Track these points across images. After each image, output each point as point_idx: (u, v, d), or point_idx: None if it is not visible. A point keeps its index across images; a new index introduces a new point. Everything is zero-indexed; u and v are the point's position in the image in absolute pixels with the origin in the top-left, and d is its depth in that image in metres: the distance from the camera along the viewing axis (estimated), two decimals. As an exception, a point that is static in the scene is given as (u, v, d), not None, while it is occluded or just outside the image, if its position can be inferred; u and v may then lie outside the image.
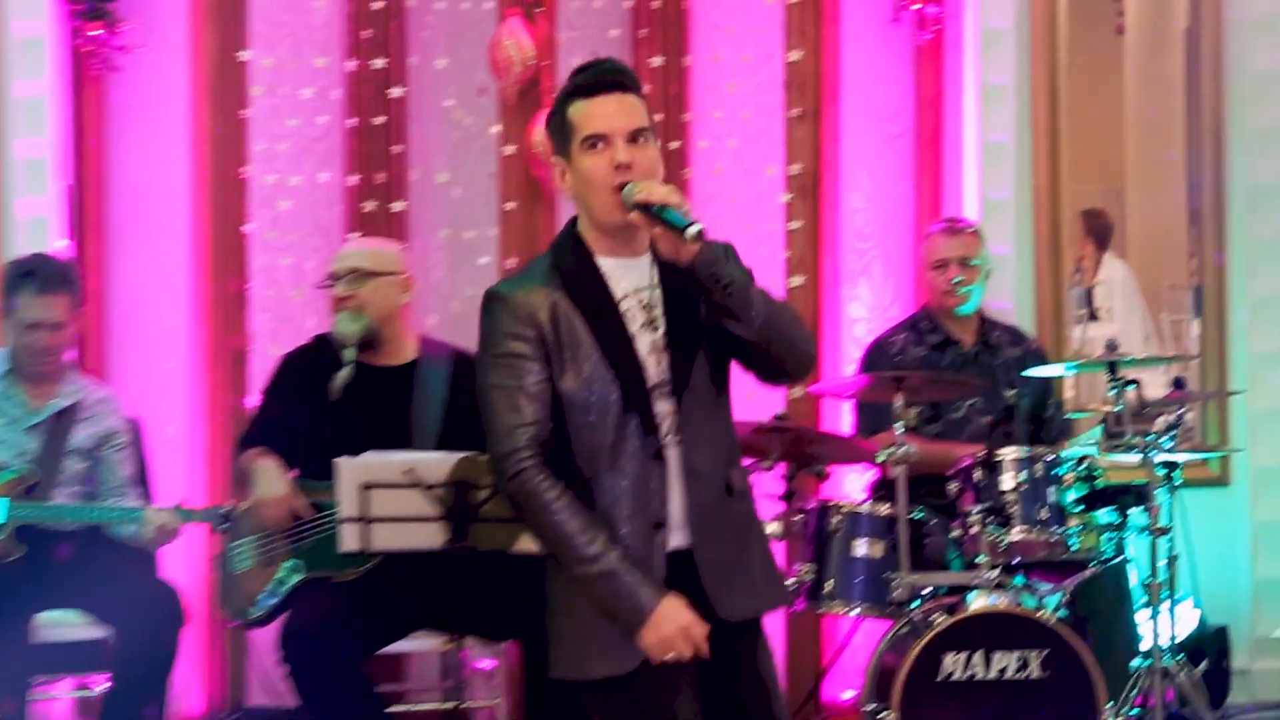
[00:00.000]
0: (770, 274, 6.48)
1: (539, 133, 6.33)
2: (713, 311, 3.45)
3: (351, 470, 4.76)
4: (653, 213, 3.38)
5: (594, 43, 6.57)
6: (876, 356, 5.89)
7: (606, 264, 3.54)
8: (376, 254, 5.52)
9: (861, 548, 5.38)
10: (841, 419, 6.32)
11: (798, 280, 6.44)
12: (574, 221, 3.59)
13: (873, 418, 5.75)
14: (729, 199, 6.66)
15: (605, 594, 3.43)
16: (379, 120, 6.40)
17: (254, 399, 6.06)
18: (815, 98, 6.49)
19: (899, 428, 5.21)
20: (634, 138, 3.47)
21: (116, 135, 6.37)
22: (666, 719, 3.51)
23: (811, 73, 6.53)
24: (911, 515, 5.31)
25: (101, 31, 6.18)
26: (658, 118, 6.43)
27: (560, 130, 3.53)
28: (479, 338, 3.56)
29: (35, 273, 5.39)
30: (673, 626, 3.40)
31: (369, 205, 6.37)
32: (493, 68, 6.43)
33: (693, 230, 3.35)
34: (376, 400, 5.37)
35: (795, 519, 5.52)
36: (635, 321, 3.52)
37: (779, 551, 5.95)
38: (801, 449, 5.55)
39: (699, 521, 3.51)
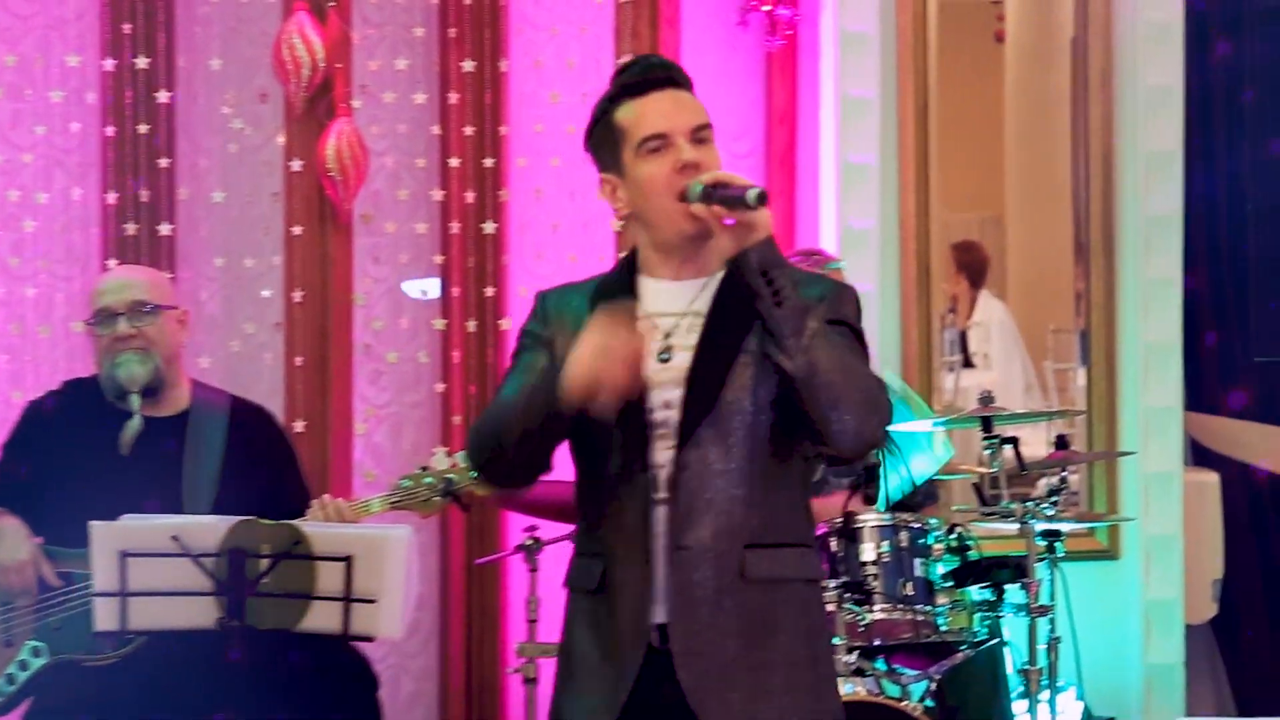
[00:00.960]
0: (597, 308, 6.62)
1: (331, 147, 6.35)
2: (763, 333, 3.39)
3: (107, 535, 4.64)
4: (715, 194, 3.37)
5: (394, 42, 6.59)
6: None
7: (648, 284, 3.56)
8: (156, 285, 5.48)
9: (700, 627, 5.39)
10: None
11: (629, 319, 6.49)
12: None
13: None
14: (551, 225, 6.72)
15: (532, 393, 3.45)
16: (143, 129, 6.38)
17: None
18: (651, 110, 6.56)
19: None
20: (697, 136, 3.48)
21: None
22: None
23: (646, 82, 6.59)
24: (758, 590, 5.35)
25: None
26: (468, 131, 6.56)
27: (607, 140, 3.53)
28: None
29: None
30: (584, 346, 3.37)
31: (131, 227, 6.36)
32: (277, 70, 6.40)
33: (753, 192, 3.32)
34: (149, 457, 5.30)
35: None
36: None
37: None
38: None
39: (681, 604, 3.44)
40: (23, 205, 6.43)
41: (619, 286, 3.56)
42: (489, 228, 6.59)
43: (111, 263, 6.27)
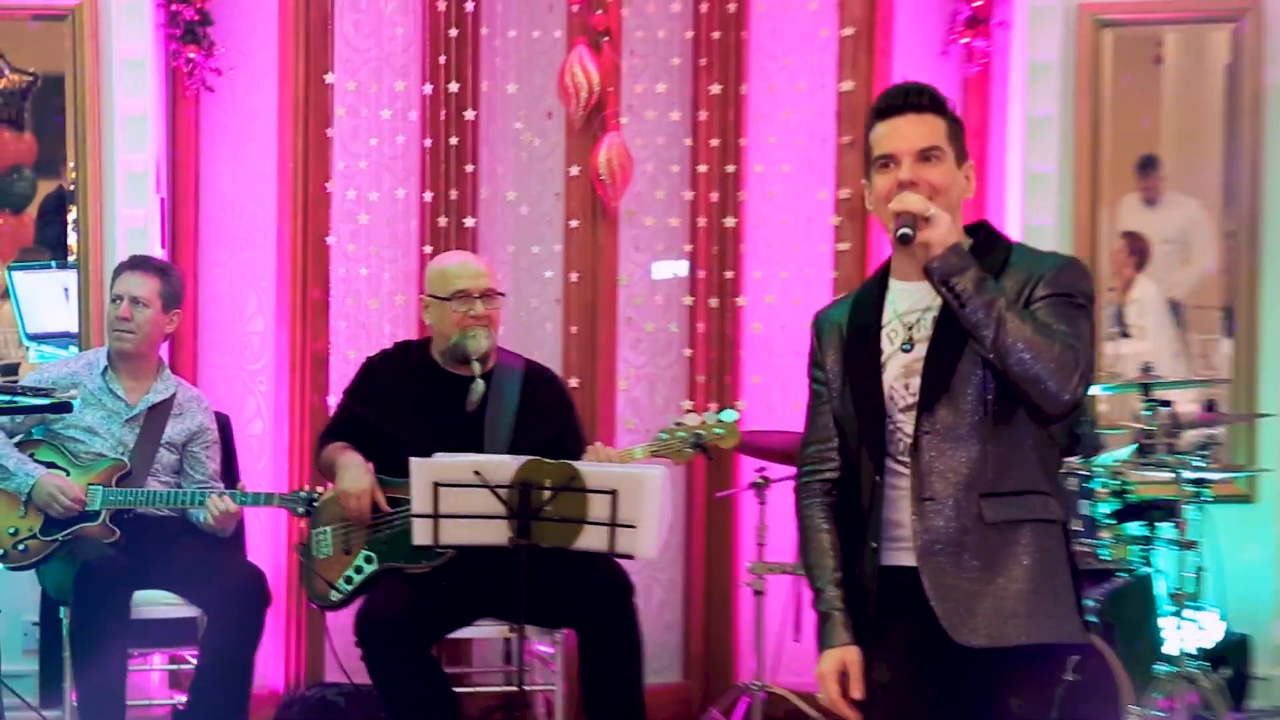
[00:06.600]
0: (819, 294, 6.46)
1: (603, 155, 6.34)
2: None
3: (424, 469, 4.84)
4: (896, 222, 3.43)
5: (656, 70, 6.55)
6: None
7: (897, 286, 3.62)
8: (495, 276, 5.62)
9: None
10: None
11: (846, 298, 6.38)
12: None
13: None
14: (780, 221, 6.68)
15: (820, 625, 3.65)
16: (453, 140, 6.42)
17: (335, 399, 6.10)
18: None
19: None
20: (924, 155, 3.50)
21: (209, 151, 6.41)
22: None
23: (863, 102, 6.36)
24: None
25: (197, 54, 6.23)
26: (714, 143, 6.48)
27: (864, 153, 3.58)
28: None
29: (133, 260, 5.69)
30: (823, 667, 3.59)
31: (442, 220, 6.42)
32: (560, 93, 6.42)
33: (899, 232, 3.40)
34: (459, 407, 5.47)
35: None
36: (893, 343, 3.56)
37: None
38: None
39: (929, 548, 3.49)
40: (358, 202, 6.50)
41: (871, 296, 3.63)
42: (729, 222, 6.55)
43: (428, 249, 6.40)
